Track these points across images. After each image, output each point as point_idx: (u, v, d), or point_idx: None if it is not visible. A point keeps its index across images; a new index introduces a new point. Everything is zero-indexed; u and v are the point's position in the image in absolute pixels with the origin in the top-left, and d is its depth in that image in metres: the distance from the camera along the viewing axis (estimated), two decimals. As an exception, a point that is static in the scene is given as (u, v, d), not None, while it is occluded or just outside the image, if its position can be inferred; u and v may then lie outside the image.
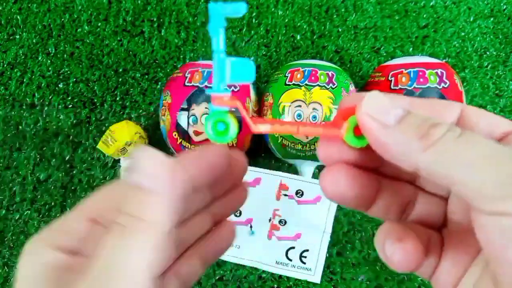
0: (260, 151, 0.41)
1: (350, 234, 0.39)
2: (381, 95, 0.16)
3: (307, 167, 0.37)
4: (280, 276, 0.39)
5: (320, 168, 0.41)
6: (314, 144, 0.34)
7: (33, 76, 0.43)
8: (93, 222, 0.17)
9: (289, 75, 0.35)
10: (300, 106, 0.34)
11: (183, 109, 0.34)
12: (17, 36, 0.44)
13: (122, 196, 0.16)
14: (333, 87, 0.34)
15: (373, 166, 0.18)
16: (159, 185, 0.15)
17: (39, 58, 0.44)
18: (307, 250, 0.38)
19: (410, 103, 0.16)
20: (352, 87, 0.36)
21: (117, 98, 0.43)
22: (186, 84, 0.35)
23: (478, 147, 0.14)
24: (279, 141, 0.35)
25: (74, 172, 0.41)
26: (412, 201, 0.19)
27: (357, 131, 0.17)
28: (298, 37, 0.44)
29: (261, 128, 0.19)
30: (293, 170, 0.41)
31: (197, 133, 0.34)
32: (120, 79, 0.43)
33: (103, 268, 0.14)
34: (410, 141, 0.14)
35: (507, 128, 0.16)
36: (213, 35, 0.17)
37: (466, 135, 0.14)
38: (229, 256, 0.38)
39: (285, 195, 0.38)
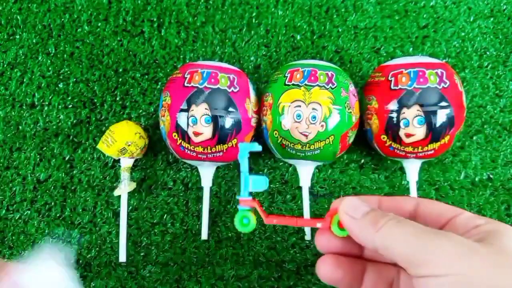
0: (260, 151, 0.41)
1: (350, 234, 0.39)
2: (355, 199, 0.23)
3: (306, 167, 0.37)
4: (280, 276, 0.39)
5: (319, 168, 0.41)
6: (314, 144, 0.34)
7: (33, 76, 0.43)
8: None
9: (289, 75, 0.35)
10: (299, 106, 0.34)
11: (182, 110, 0.34)
12: (17, 36, 0.44)
13: None
14: (333, 87, 0.34)
15: (356, 252, 0.25)
16: None
17: (39, 58, 0.44)
18: None
19: (379, 200, 0.24)
20: (351, 87, 0.36)
21: (117, 98, 0.43)
22: (186, 85, 0.35)
23: (409, 228, 0.20)
24: (278, 141, 0.35)
25: (74, 172, 0.41)
26: (396, 281, 0.24)
27: (341, 225, 0.25)
28: (298, 37, 0.43)
29: (270, 220, 0.28)
30: (292, 170, 0.41)
31: (196, 134, 0.34)
32: (120, 79, 0.43)
33: None
34: (367, 227, 0.21)
35: (451, 215, 0.22)
36: (241, 161, 0.28)
37: (403, 221, 0.20)
38: None
39: None
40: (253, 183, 0.29)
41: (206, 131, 0.34)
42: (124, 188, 0.38)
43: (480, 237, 0.19)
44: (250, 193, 0.31)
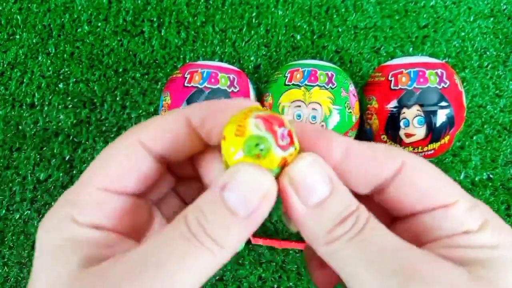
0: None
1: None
2: (319, 166, 0.15)
3: None
4: (280, 276, 0.39)
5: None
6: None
7: (33, 76, 0.44)
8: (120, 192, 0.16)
9: (289, 75, 0.35)
10: (299, 106, 0.34)
11: (183, 110, 0.34)
12: (17, 36, 0.45)
13: None
14: (333, 87, 0.34)
15: None
16: (253, 221, 0.14)
17: (39, 58, 0.44)
18: None
19: (347, 148, 0.16)
20: (351, 87, 0.36)
21: (117, 98, 0.43)
22: (186, 84, 0.35)
23: (366, 252, 0.14)
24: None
25: (74, 172, 0.42)
26: None
27: None
28: (298, 37, 0.44)
29: (256, 240, 0.31)
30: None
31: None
32: (120, 79, 0.43)
33: (142, 265, 0.14)
34: (318, 231, 0.15)
35: (438, 201, 0.15)
36: None
37: (362, 236, 0.14)
38: None
39: None
40: None
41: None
42: None
43: (469, 258, 0.14)
44: None
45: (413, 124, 0.34)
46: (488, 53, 0.43)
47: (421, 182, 0.15)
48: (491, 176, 0.40)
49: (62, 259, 0.15)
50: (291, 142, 0.15)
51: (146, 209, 0.19)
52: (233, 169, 0.15)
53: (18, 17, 0.45)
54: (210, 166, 0.18)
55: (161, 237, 0.14)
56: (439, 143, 0.34)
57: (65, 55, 0.44)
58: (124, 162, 0.16)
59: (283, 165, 0.15)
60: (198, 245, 0.14)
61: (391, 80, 0.35)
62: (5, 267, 0.40)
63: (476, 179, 0.40)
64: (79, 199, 0.16)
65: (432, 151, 0.35)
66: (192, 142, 0.17)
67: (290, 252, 0.39)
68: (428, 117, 0.33)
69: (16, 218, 0.41)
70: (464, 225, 0.15)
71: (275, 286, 0.39)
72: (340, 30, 0.44)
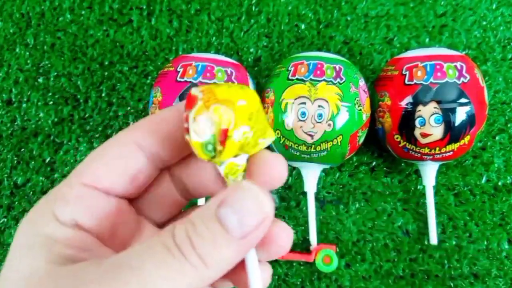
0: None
1: (360, 244, 0.39)
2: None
3: (312, 171, 0.37)
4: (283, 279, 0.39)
5: (326, 172, 0.41)
6: (320, 145, 0.34)
7: (10, 70, 0.44)
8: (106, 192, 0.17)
9: (292, 69, 0.35)
10: (304, 103, 0.34)
11: (175, 107, 0.34)
12: (-8, 26, 0.45)
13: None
14: (341, 82, 0.34)
15: None
16: (246, 244, 0.15)
17: (17, 50, 0.44)
18: None
19: None
20: (362, 82, 0.36)
21: (103, 94, 0.43)
22: (178, 79, 0.35)
23: None
24: (281, 142, 0.35)
25: (55, 175, 0.41)
26: None
27: (326, 260, 0.35)
28: (303, 27, 0.44)
29: None
30: (296, 173, 0.41)
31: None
32: (106, 73, 0.43)
33: (115, 269, 0.14)
34: None
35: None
36: None
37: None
38: None
39: None
40: None
41: (201, 130, 0.34)
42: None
43: None
44: None
45: (429, 123, 0.34)
46: (512, 44, 0.43)
47: None
48: (515, 180, 0.40)
49: (31, 255, 0.16)
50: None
51: (133, 218, 0.19)
52: (236, 186, 0.16)
53: (-6, 4, 0.45)
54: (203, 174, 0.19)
55: (142, 245, 0.15)
56: (458, 144, 0.35)
57: (45, 47, 0.44)
58: (116, 161, 0.17)
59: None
60: (179, 256, 0.14)
61: (405, 74, 0.35)
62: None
63: (500, 183, 0.40)
64: (63, 194, 0.17)
65: (451, 152, 0.35)
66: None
67: (294, 264, 0.39)
68: (446, 115, 0.34)
69: (-8, 226, 0.41)
70: None
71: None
72: (349, 18, 0.44)
